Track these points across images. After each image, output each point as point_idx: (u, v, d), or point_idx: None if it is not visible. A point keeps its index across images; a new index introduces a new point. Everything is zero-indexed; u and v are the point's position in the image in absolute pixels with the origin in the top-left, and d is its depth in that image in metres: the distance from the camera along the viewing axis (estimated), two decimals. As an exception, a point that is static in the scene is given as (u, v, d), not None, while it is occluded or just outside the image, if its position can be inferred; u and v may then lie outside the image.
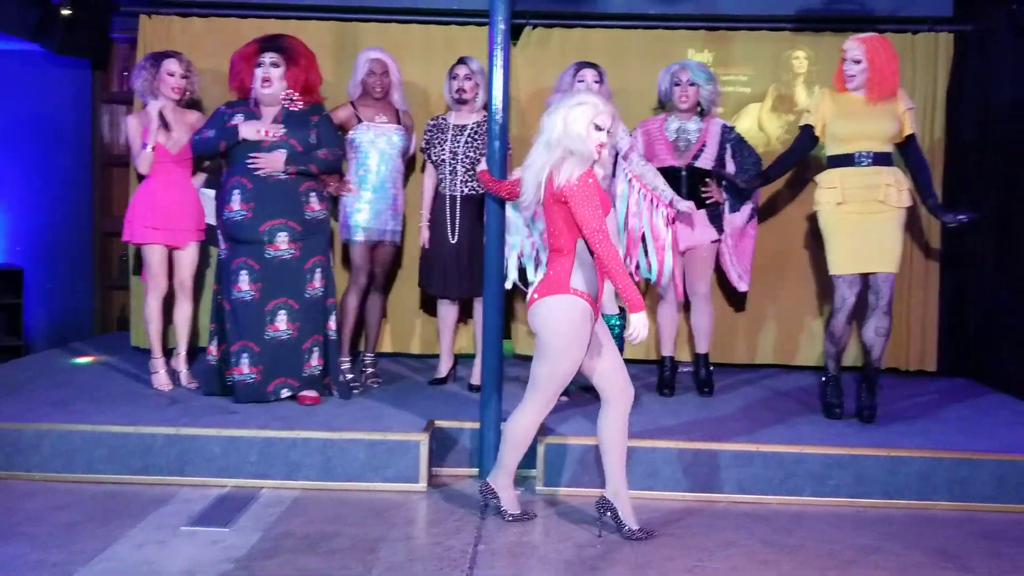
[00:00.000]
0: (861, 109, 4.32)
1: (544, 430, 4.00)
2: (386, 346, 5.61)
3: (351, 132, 4.78)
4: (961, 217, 4.34)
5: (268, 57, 4.42)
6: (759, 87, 5.63)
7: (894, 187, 4.28)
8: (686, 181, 4.68)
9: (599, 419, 3.42)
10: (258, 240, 4.35)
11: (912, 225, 5.51)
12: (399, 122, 4.87)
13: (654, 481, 3.87)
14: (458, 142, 4.71)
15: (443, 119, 4.85)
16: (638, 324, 3.18)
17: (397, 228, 4.89)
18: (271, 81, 4.40)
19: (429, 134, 4.83)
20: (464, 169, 4.70)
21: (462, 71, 4.74)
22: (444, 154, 4.74)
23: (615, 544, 3.33)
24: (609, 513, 3.40)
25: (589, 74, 4.60)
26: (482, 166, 4.00)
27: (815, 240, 4.85)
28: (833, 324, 4.42)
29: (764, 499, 3.86)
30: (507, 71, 3.96)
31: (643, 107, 5.36)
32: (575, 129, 3.25)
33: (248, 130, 4.35)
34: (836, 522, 3.65)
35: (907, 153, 4.39)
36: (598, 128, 3.28)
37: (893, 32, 5.37)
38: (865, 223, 4.29)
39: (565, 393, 4.50)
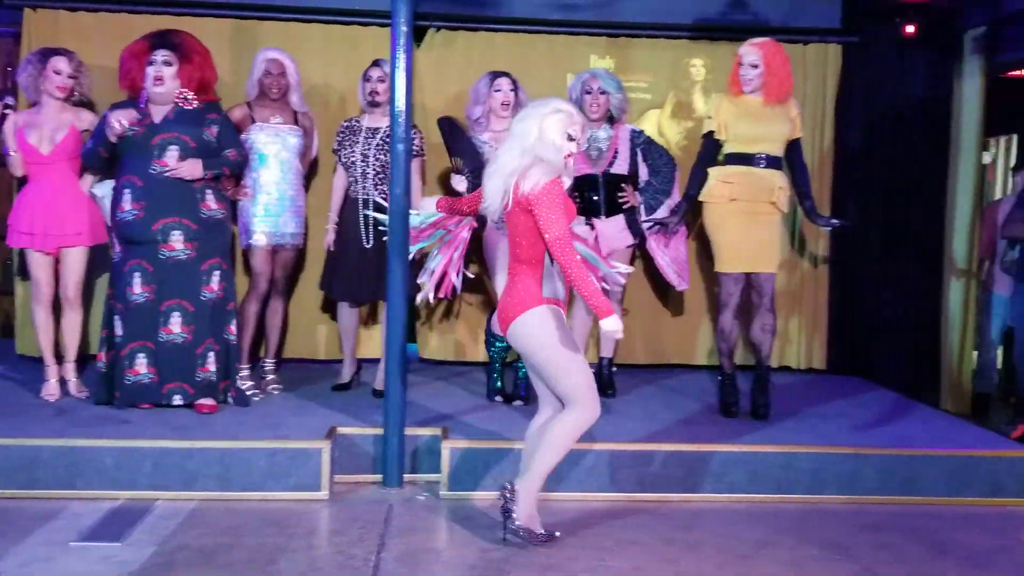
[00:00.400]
0: (759, 111, 4.46)
1: (448, 433, 4.00)
2: (289, 352, 5.51)
3: (244, 133, 4.67)
4: (834, 222, 4.50)
5: (160, 55, 4.28)
6: (659, 94, 5.76)
7: (783, 191, 4.44)
8: (603, 188, 4.74)
9: (547, 420, 3.35)
10: (151, 240, 4.21)
11: (805, 229, 5.74)
12: (296, 123, 4.79)
13: (558, 483, 3.89)
14: (370, 145, 4.66)
15: (356, 121, 4.80)
16: (610, 329, 3.16)
17: (298, 231, 4.81)
18: (163, 80, 4.27)
19: (341, 136, 4.77)
20: (375, 172, 4.65)
21: (375, 73, 4.69)
22: (355, 156, 4.68)
23: (519, 547, 3.34)
24: (509, 498, 3.32)
25: (505, 83, 4.65)
26: (431, 200, 3.90)
27: (702, 237, 4.96)
28: (721, 321, 4.54)
29: (665, 497, 3.94)
30: (410, 74, 3.94)
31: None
32: (550, 137, 3.20)
33: (112, 127, 4.20)
34: (732, 518, 3.76)
35: (792, 156, 4.54)
36: (570, 138, 3.24)
37: (785, 42, 5.56)
38: (752, 223, 4.43)
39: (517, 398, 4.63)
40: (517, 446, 3.86)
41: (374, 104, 4.69)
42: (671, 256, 4.94)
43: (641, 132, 4.95)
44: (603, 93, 4.73)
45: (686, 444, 4.03)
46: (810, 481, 4.01)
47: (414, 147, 4.62)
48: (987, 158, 7.61)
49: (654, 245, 4.88)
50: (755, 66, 4.42)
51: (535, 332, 3.22)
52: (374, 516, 3.61)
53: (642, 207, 4.80)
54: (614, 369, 5.10)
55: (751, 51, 4.45)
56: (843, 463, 4.03)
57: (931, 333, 5.70)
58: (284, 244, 4.75)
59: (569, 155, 3.26)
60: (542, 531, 3.33)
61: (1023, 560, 3.43)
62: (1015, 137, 7.48)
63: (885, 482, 4.02)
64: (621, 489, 3.94)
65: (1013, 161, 7.10)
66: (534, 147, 3.20)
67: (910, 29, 5.56)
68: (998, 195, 7.33)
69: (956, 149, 5.65)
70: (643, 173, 4.86)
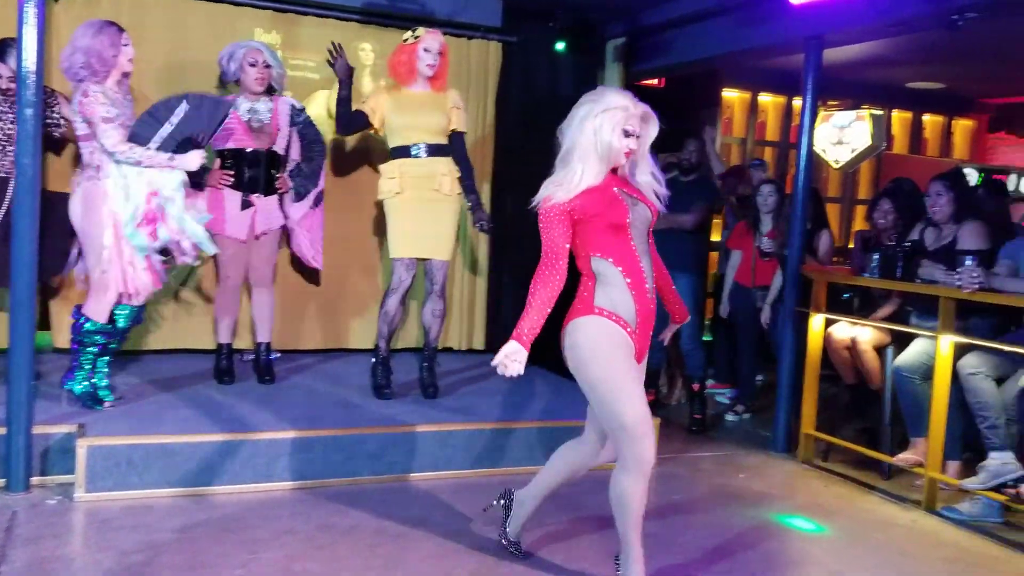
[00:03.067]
0: (417, 102, 4.57)
1: (84, 430, 3.68)
2: None
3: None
4: (484, 223, 4.70)
5: None
6: (328, 73, 5.63)
7: (448, 176, 4.59)
8: (264, 165, 4.61)
9: (578, 445, 3.12)
10: None
11: (470, 219, 5.98)
12: None
13: (211, 476, 3.74)
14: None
15: None
16: (501, 354, 2.78)
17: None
18: None
19: None
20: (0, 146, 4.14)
21: None
22: None
23: (163, 546, 3.16)
24: (504, 503, 3.30)
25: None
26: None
27: (381, 227, 5.02)
28: (388, 303, 4.61)
29: (325, 482, 3.94)
30: (42, 31, 3.55)
31: (203, 82, 5.10)
32: (604, 137, 2.80)
33: None
34: (389, 498, 3.84)
35: (455, 150, 4.71)
36: (627, 134, 2.83)
37: (451, 35, 5.76)
38: (423, 211, 4.55)
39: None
40: (159, 440, 3.66)
41: None
42: (312, 237, 4.97)
43: (302, 110, 4.88)
44: (267, 67, 4.62)
45: (345, 428, 4.05)
46: (464, 456, 4.21)
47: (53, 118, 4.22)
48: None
49: (297, 225, 4.87)
50: (440, 53, 4.53)
51: (577, 341, 2.81)
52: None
53: (292, 192, 4.77)
54: (275, 355, 4.99)
55: (436, 37, 4.55)
56: (494, 438, 4.27)
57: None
58: None
59: (629, 152, 2.87)
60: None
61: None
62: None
63: (530, 453, 4.32)
64: (280, 478, 3.87)
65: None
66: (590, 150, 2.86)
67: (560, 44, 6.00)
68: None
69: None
70: (294, 151, 4.79)
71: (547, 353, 6.01)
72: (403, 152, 4.56)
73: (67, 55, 3.97)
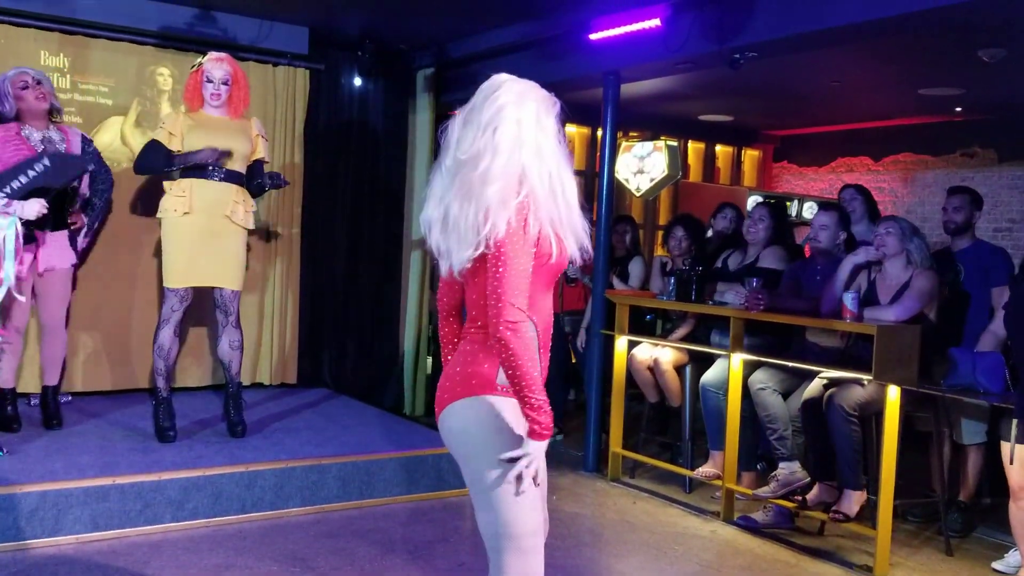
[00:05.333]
0: (217, 126, 4.41)
1: None
2: None
3: None
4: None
5: None
6: (122, 99, 5.42)
7: (242, 205, 4.44)
8: (56, 199, 4.26)
9: None
10: None
11: (279, 246, 5.85)
12: None
13: (-11, 534, 3.44)
14: None
15: None
16: (538, 455, 1.99)
17: None
18: None
19: None
20: None
21: None
22: None
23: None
24: None
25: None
26: None
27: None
28: (160, 337, 4.37)
29: (123, 533, 3.70)
30: None
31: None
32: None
33: None
34: (193, 545, 3.66)
35: (252, 177, 4.55)
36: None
37: (255, 62, 5.64)
38: (208, 237, 4.34)
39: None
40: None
41: None
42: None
43: (91, 141, 4.61)
44: (39, 83, 4.30)
45: (143, 474, 3.82)
46: (274, 497, 4.08)
47: None
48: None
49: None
50: (225, 81, 4.39)
51: (469, 430, 2.05)
52: None
53: (85, 228, 4.50)
54: (67, 398, 4.66)
55: (220, 65, 4.41)
56: (306, 475, 4.16)
57: (392, 343, 6.22)
58: None
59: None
60: None
61: (457, 547, 3.87)
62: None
63: (345, 488, 4.25)
64: (71, 531, 3.60)
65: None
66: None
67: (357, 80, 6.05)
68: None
69: (412, 176, 6.25)
70: (83, 185, 4.49)
71: (356, 382, 6.04)
72: (199, 172, 4.33)
73: None
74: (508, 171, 1.96)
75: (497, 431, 2.02)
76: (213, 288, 4.44)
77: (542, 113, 2.04)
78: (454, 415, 2.06)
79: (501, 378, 2.03)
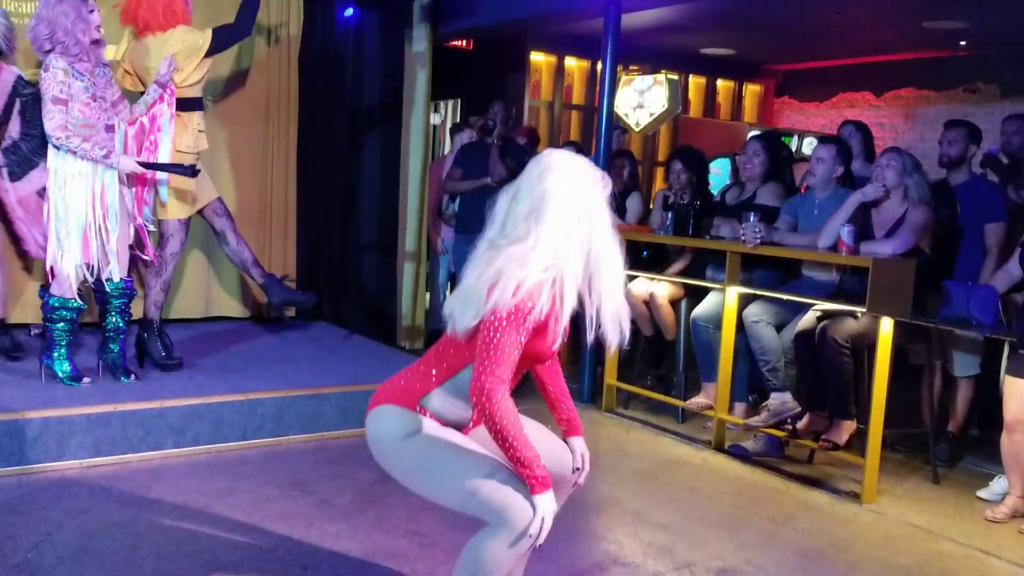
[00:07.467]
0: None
1: None
2: None
3: None
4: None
5: None
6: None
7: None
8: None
9: None
10: None
11: (275, 183, 5.82)
12: None
13: (-6, 458, 3.51)
14: None
15: None
16: (543, 507, 2.03)
17: None
18: None
19: None
20: None
21: None
22: None
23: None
24: None
25: None
26: None
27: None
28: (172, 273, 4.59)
29: (125, 458, 3.77)
30: None
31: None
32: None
33: None
34: (194, 470, 3.73)
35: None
36: None
37: None
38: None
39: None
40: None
41: None
42: (30, 222, 4.37)
43: (28, 83, 4.28)
44: None
45: (144, 402, 3.88)
46: (275, 424, 4.14)
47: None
48: (436, 119, 8.48)
49: (13, 211, 4.36)
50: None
51: (381, 438, 2.25)
52: None
53: (4, 170, 4.26)
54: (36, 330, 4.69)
55: None
56: (306, 404, 4.22)
57: (389, 280, 6.24)
58: None
59: None
60: None
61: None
62: (460, 101, 8.41)
63: (344, 417, 4.31)
64: (74, 456, 3.67)
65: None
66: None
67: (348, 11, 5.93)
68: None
69: (409, 109, 6.19)
70: (14, 130, 4.24)
71: (355, 317, 6.06)
72: (200, 104, 4.42)
73: (31, 26, 3.85)
74: (542, 259, 2.03)
75: (406, 436, 2.17)
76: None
77: (592, 198, 2.09)
78: (373, 419, 2.24)
79: (432, 405, 2.19)
